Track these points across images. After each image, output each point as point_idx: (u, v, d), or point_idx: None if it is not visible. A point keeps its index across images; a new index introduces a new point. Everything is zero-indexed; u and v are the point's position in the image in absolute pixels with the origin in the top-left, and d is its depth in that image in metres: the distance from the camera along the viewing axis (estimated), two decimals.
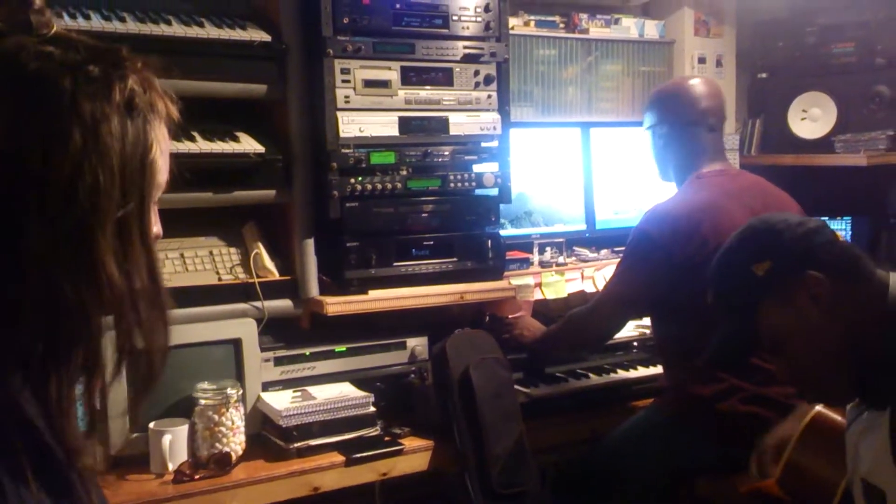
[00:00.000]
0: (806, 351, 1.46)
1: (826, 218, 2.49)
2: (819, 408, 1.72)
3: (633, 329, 2.73)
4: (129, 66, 0.92)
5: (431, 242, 2.38)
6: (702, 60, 3.42)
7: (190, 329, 2.09)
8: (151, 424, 2.00)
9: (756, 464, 1.80)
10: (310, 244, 2.25)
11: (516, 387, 2.38)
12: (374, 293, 2.28)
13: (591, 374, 2.59)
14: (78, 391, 0.92)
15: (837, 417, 1.65)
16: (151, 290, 0.92)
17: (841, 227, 3.34)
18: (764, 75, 3.54)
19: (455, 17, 2.37)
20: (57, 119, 0.85)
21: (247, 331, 2.16)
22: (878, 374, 1.38)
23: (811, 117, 3.36)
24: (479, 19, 2.40)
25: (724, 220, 2.17)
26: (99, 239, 0.86)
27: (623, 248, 2.43)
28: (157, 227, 0.99)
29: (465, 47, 2.40)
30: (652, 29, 3.38)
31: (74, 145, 0.85)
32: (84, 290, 0.86)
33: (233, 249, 2.26)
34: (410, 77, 2.34)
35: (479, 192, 2.48)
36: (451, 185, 2.40)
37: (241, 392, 2.08)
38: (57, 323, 0.86)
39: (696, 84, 2.47)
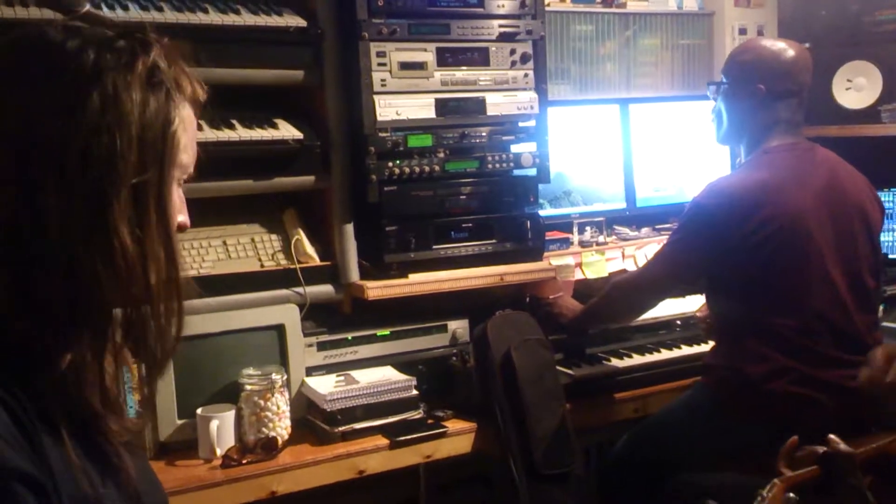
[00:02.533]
0: None
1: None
2: None
3: (676, 308, 2.70)
4: (155, 42, 0.93)
5: (470, 224, 2.37)
6: (742, 31, 3.35)
7: (234, 316, 2.11)
8: (199, 410, 2.03)
9: (866, 378, 1.69)
10: (349, 229, 2.26)
11: (558, 367, 2.36)
12: (413, 277, 2.28)
13: (633, 354, 2.57)
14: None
15: None
16: (167, 267, 0.92)
17: (889, 199, 3.26)
18: (806, 45, 3.44)
19: None
20: (78, 85, 0.87)
21: (290, 316, 2.18)
22: None
23: (856, 87, 3.28)
24: None
25: (785, 201, 2.13)
26: (113, 203, 0.87)
27: (667, 225, 2.40)
28: (183, 216, 0.99)
29: (501, 26, 2.37)
30: (690, 1, 3.32)
31: (93, 109, 0.86)
32: (96, 254, 0.87)
33: (274, 236, 2.27)
34: (446, 58, 2.32)
35: (517, 172, 2.46)
36: (489, 166, 2.38)
37: (285, 377, 2.10)
38: (72, 288, 0.87)
39: (793, 53, 2.31)
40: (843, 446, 1.47)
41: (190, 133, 0.96)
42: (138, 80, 0.89)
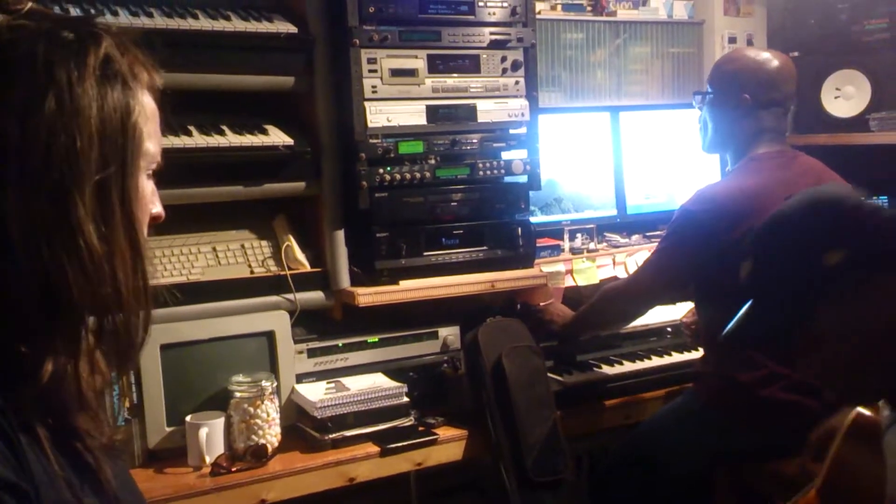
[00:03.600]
0: (851, 354, 1.32)
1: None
2: (860, 408, 1.66)
3: (666, 315, 2.70)
4: (103, 32, 0.91)
5: (461, 231, 2.37)
6: (732, 40, 3.37)
7: (223, 322, 2.10)
8: (188, 418, 2.02)
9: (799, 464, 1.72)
10: (340, 235, 2.25)
11: (549, 374, 2.36)
12: (404, 283, 2.27)
13: (624, 361, 2.57)
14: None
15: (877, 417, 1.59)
16: (132, 263, 0.90)
17: None
18: (795, 54, 3.47)
19: (481, 3, 2.35)
20: (31, 84, 0.85)
21: (280, 323, 2.17)
22: None
23: (845, 95, 3.30)
24: (505, 4, 2.38)
25: (772, 208, 2.12)
26: (77, 202, 0.85)
27: (657, 232, 2.40)
28: (157, 208, 0.98)
29: (492, 33, 2.38)
30: (681, 9, 3.33)
31: (49, 108, 0.84)
32: (62, 254, 0.85)
33: (264, 242, 2.27)
34: (437, 65, 2.32)
35: (508, 179, 2.46)
36: (480, 172, 2.39)
37: (275, 384, 2.09)
38: (41, 291, 0.85)
39: (777, 64, 2.34)
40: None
41: (152, 121, 0.94)
42: (92, 73, 0.87)
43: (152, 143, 0.94)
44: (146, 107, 0.93)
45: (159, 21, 2.02)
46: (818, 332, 1.34)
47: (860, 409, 1.62)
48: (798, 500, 1.66)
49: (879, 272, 1.27)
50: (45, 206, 0.84)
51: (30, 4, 0.90)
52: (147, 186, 0.96)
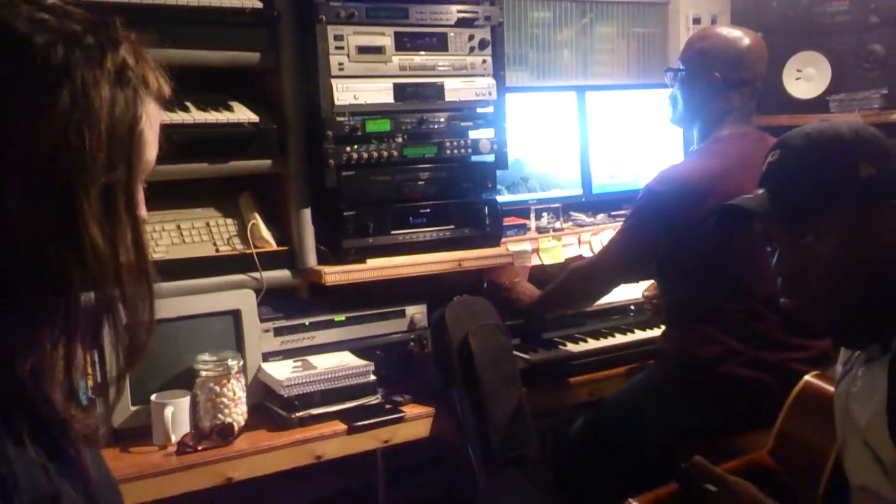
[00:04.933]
0: (835, 282, 1.37)
1: None
2: (808, 377, 1.71)
3: (629, 293, 2.74)
4: (123, 38, 0.91)
5: (428, 210, 2.37)
6: (696, 21, 3.40)
7: (189, 301, 2.09)
8: (153, 397, 2.01)
9: None
10: (307, 214, 2.24)
11: (515, 352, 2.38)
12: (371, 262, 2.27)
13: (588, 339, 2.61)
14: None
15: (828, 386, 1.64)
16: (137, 262, 0.91)
17: None
18: (759, 34, 3.52)
19: None
20: (47, 81, 0.84)
21: (246, 302, 2.16)
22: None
23: (805, 77, 3.34)
24: None
25: (735, 189, 2.15)
26: (83, 202, 0.85)
27: (622, 212, 2.42)
28: (142, 210, 0.98)
29: (459, 11, 2.37)
30: None
31: (63, 105, 0.84)
32: (67, 254, 0.85)
33: (229, 220, 2.25)
34: (404, 43, 2.31)
35: (475, 158, 2.46)
36: (448, 151, 2.39)
37: (241, 363, 2.08)
38: (41, 288, 0.85)
39: (748, 42, 2.34)
40: (700, 462, 1.58)
41: (155, 130, 0.95)
42: (107, 77, 0.87)
43: (152, 153, 0.95)
44: (152, 116, 0.93)
45: None
46: (815, 252, 1.37)
47: (808, 378, 1.68)
48: (749, 457, 1.72)
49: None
50: (51, 202, 0.84)
51: None
52: (141, 192, 0.96)
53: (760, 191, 1.46)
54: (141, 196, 0.96)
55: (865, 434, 1.34)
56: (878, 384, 1.30)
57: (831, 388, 1.56)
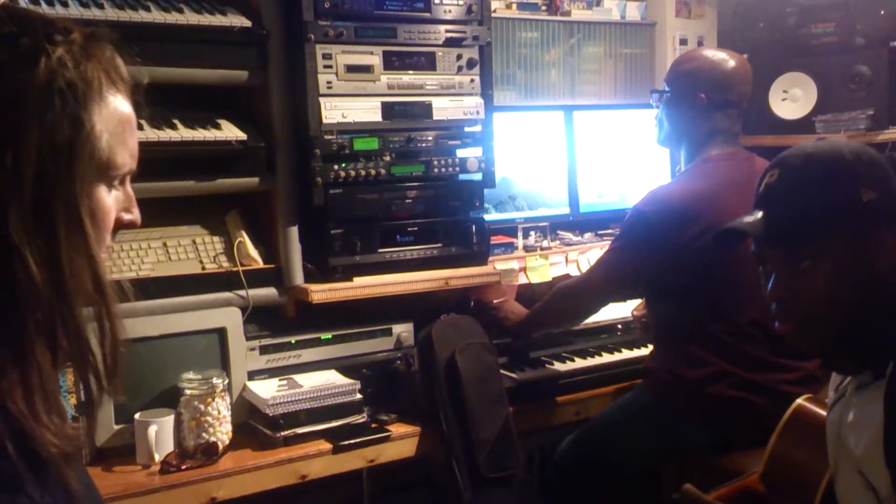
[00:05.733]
0: (829, 306, 1.34)
1: None
2: (800, 400, 1.71)
3: (617, 312, 2.74)
4: (60, 40, 0.86)
5: (416, 228, 2.37)
6: (683, 42, 3.42)
7: (174, 319, 2.08)
8: (137, 415, 1.99)
9: None
10: (294, 232, 2.24)
11: (502, 371, 2.38)
12: (358, 280, 2.27)
13: (575, 358, 2.60)
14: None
15: (820, 410, 1.63)
16: (89, 279, 0.87)
17: None
18: (745, 56, 3.54)
19: (437, 1, 2.35)
20: None
21: (231, 320, 2.15)
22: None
23: (791, 98, 3.37)
24: (460, 2, 2.39)
25: (723, 210, 2.16)
26: (11, 225, 0.81)
27: (610, 231, 2.42)
28: (130, 216, 0.95)
29: (448, 31, 2.38)
30: (633, 11, 3.38)
31: None
32: (6, 274, 0.81)
33: (216, 238, 2.24)
34: (393, 62, 2.32)
35: (462, 177, 2.47)
36: (435, 170, 2.39)
37: (226, 381, 2.07)
38: None
39: (734, 64, 2.36)
40: (691, 491, 1.57)
41: (115, 130, 0.89)
42: (37, 86, 0.83)
43: (118, 152, 0.90)
44: (107, 117, 0.88)
45: (110, 13, 1.98)
46: (815, 278, 1.35)
47: (800, 401, 1.68)
48: (741, 483, 1.72)
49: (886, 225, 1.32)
50: None
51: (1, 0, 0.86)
52: (109, 197, 0.92)
53: (758, 213, 1.42)
54: (124, 196, 0.93)
55: (860, 463, 1.32)
56: (873, 413, 1.28)
57: (823, 413, 1.55)
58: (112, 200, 0.93)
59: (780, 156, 1.45)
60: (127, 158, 0.92)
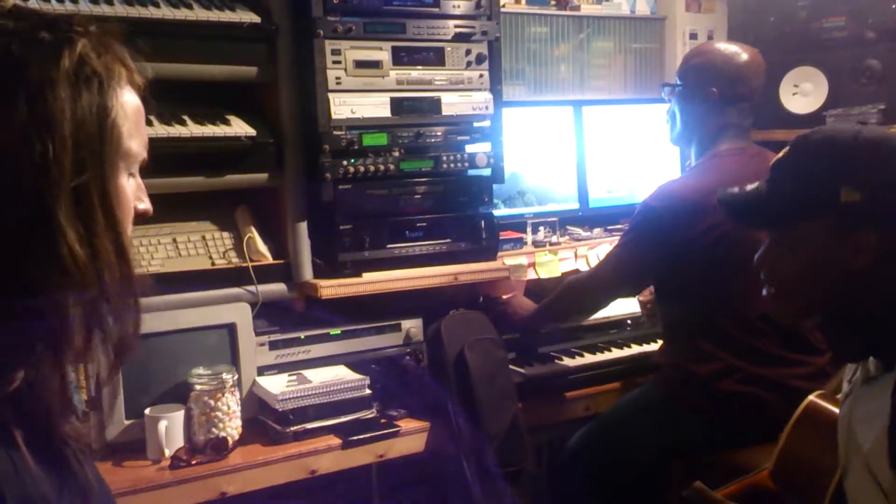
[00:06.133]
0: (802, 286, 1.39)
1: None
2: (812, 397, 1.70)
3: (626, 307, 2.74)
4: (81, 32, 0.89)
5: (425, 224, 2.37)
6: (693, 36, 3.41)
7: (184, 314, 2.08)
8: (147, 411, 2.00)
9: None
10: (303, 227, 2.24)
11: (511, 366, 2.38)
12: (367, 276, 2.27)
13: (585, 353, 2.60)
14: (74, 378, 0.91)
15: (831, 407, 1.63)
16: (118, 264, 0.89)
17: None
18: (756, 50, 3.53)
19: None
20: (3, 87, 0.83)
21: (241, 315, 2.16)
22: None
23: (802, 92, 3.35)
24: None
25: None
26: (55, 211, 0.84)
27: (619, 226, 2.42)
28: (144, 204, 0.97)
29: (457, 26, 2.37)
30: (643, 5, 3.36)
31: (20, 114, 0.83)
32: (46, 265, 0.84)
33: (225, 234, 2.25)
34: (402, 57, 2.32)
35: (471, 172, 2.46)
36: (444, 165, 2.39)
37: (236, 377, 2.08)
38: (28, 302, 0.84)
39: (746, 58, 2.35)
40: (701, 489, 1.58)
41: (133, 119, 0.93)
42: (65, 76, 0.86)
43: (134, 141, 0.93)
44: (126, 105, 0.91)
45: (120, 9, 1.98)
46: (790, 261, 1.39)
47: (812, 398, 1.67)
48: (751, 480, 1.71)
49: (869, 226, 1.31)
50: (23, 214, 0.83)
51: (13, 1, 0.88)
52: (129, 185, 0.94)
53: (754, 184, 1.46)
54: (137, 186, 0.94)
55: (868, 458, 1.32)
56: (881, 406, 1.28)
57: (835, 409, 1.55)
58: (131, 189, 0.95)
59: (802, 134, 1.45)
60: (142, 147, 0.95)
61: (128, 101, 0.92)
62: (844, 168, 1.35)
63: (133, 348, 0.94)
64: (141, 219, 0.98)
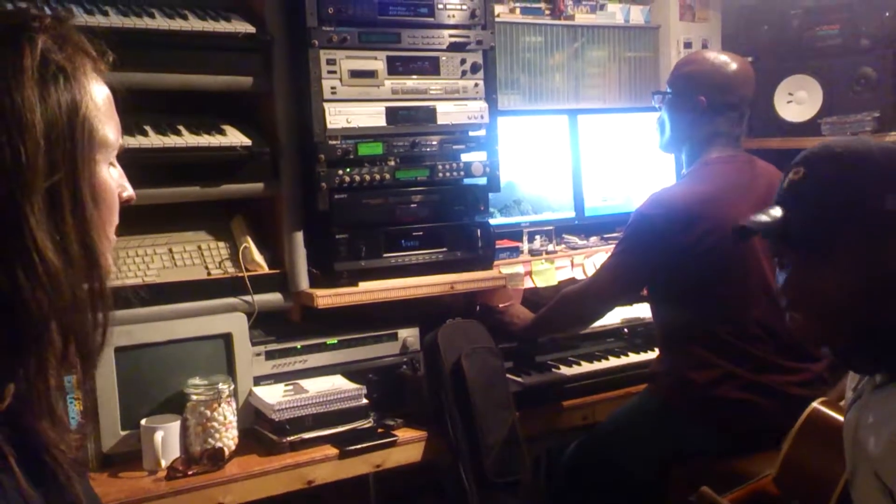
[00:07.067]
0: (842, 306, 1.34)
1: None
2: (816, 404, 1.70)
3: (622, 316, 2.73)
4: (38, 27, 0.86)
5: (421, 233, 2.37)
6: (688, 45, 3.42)
7: (180, 324, 2.08)
8: (143, 421, 1.99)
9: None
10: (299, 237, 2.24)
11: (508, 376, 2.38)
12: (364, 285, 2.27)
13: (582, 362, 2.60)
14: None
15: (835, 414, 1.62)
16: (87, 262, 0.87)
17: None
18: (749, 59, 3.53)
19: (440, 6, 2.36)
20: None
21: (237, 325, 2.15)
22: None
23: (797, 100, 3.36)
24: (464, 7, 2.39)
25: (725, 212, 2.16)
26: (28, 216, 0.81)
27: (615, 234, 2.42)
28: (128, 192, 0.95)
29: (451, 36, 2.38)
30: (637, 14, 3.38)
31: None
32: (18, 272, 0.81)
33: (221, 243, 2.25)
34: (397, 67, 2.32)
35: (467, 181, 2.47)
36: (440, 174, 2.39)
37: (232, 387, 2.07)
38: (3, 311, 0.82)
39: (735, 67, 2.35)
40: (708, 494, 1.56)
41: (104, 109, 0.90)
42: (30, 75, 0.83)
43: (110, 130, 0.91)
44: (95, 95, 0.89)
45: (115, 20, 1.99)
46: (822, 283, 1.35)
47: (815, 405, 1.67)
48: (755, 485, 1.70)
49: None
50: None
51: None
52: (111, 176, 0.92)
53: (778, 210, 1.40)
54: (118, 174, 0.93)
55: (876, 464, 1.31)
56: (889, 413, 1.28)
57: (838, 416, 1.55)
58: (114, 179, 0.93)
59: (804, 153, 1.42)
60: (117, 134, 0.93)
61: (96, 91, 0.89)
62: (884, 178, 1.33)
63: (96, 361, 0.91)
64: (126, 205, 0.96)
